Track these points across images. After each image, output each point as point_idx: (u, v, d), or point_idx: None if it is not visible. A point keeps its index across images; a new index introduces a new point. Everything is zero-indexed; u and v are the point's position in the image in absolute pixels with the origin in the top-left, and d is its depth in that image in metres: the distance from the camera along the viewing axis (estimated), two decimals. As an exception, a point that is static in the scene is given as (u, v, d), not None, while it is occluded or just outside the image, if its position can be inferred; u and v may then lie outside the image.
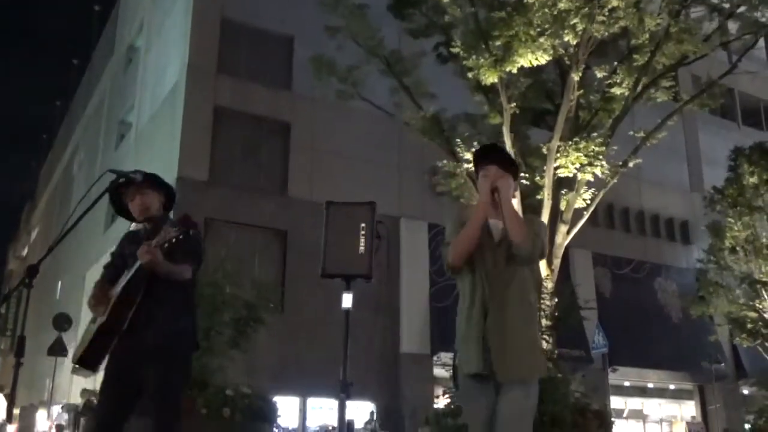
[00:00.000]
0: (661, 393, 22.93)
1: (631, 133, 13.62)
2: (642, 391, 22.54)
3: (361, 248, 4.72)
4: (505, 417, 2.95)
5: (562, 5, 11.18)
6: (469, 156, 12.53)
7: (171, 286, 3.42)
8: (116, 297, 3.38)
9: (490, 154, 3.33)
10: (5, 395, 19.13)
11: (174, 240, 3.30)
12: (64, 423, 17.77)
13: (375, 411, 16.22)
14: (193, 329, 3.64)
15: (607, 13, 11.61)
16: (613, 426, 8.64)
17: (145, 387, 3.38)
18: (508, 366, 2.97)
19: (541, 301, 8.12)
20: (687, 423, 22.01)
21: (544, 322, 8.72)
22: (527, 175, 12.67)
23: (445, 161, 13.47)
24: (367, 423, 15.79)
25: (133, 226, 3.85)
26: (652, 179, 22.79)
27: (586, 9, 11.32)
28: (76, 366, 3.59)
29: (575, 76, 12.08)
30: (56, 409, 21.66)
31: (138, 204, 3.62)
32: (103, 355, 3.48)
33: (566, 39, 11.74)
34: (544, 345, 8.52)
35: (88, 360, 3.51)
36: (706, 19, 13.54)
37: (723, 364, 20.79)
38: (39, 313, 27.76)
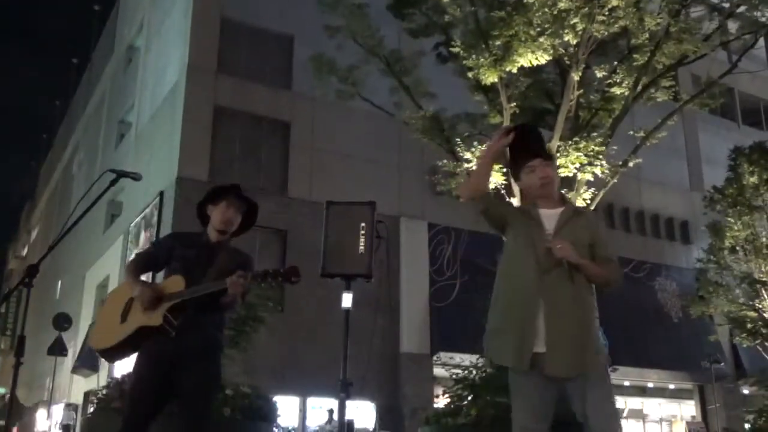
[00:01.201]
0: (660, 393, 22.93)
1: (631, 132, 13.62)
2: (642, 391, 22.54)
3: (361, 248, 4.72)
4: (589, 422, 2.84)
5: (562, 5, 11.18)
6: (469, 156, 12.54)
7: (215, 299, 3.44)
8: (175, 303, 3.36)
9: (528, 146, 3.13)
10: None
11: (270, 283, 3.34)
12: (71, 423, 17.79)
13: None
14: (223, 342, 3.71)
15: (607, 13, 11.61)
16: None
17: (182, 389, 3.38)
18: (558, 363, 2.86)
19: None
20: (687, 423, 22.01)
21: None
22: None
23: (445, 161, 13.47)
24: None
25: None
26: (652, 179, 22.79)
27: (586, 9, 11.32)
28: (96, 353, 3.59)
29: (575, 76, 12.08)
30: (56, 408, 21.67)
31: (230, 216, 3.62)
32: (133, 351, 3.48)
33: (566, 39, 11.74)
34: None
35: (116, 353, 3.51)
36: (706, 18, 13.53)
37: (723, 364, 20.78)
38: (39, 312, 27.78)
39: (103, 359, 3.62)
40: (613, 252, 3.13)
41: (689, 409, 23.20)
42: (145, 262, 3.67)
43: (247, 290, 3.42)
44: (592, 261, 2.99)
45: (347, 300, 4.81)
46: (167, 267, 3.59)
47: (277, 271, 3.30)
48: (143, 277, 3.61)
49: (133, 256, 3.51)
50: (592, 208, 12.81)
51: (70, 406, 19.69)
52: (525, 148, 3.10)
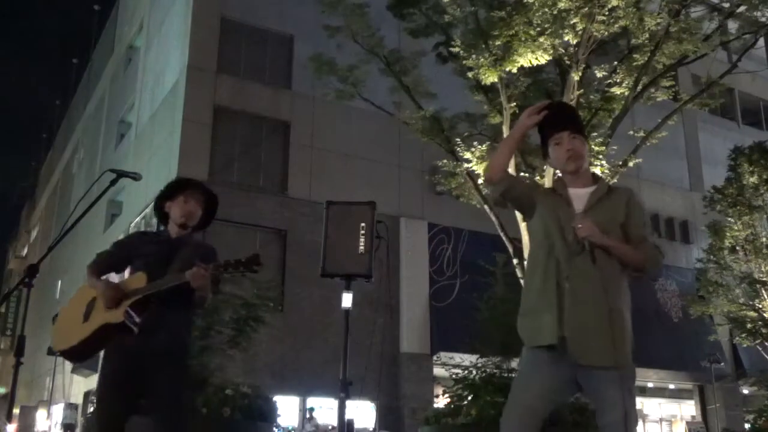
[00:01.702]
0: (660, 392, 22.93)
1: (631, 132, 13.63)
2: (642, 391, 22.53)
3: (361, 248, 4.72)
4: (606, 417, 2.67)
5: (561, 5, 11.18)
6: (469, 155, 12.54)
7: (184, 299, 3.42)
8: (137, 299, 3.35)
9: (558, 118, 2.92)
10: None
11: (230, 273, 3.31)
12: (73, 422, 17.78)
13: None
14: (190, 343, 3.69)
15: (607, 13, 11.61)
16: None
17: (152, 391, 3.36)
18: (583, 350, 2.66)
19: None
20: (687, 422, 22.02)
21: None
22: (527, 174, 12.68)
23: (445, 161, 13.47)
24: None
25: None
26: (651, 179, 22.79)
27: (586, 8, 11.31)
28: (58, 354, 3.56)
29: (575, 76, 12.08)
30: (56, 408, 21.67)
31: (189, 209, 3.60)
32: (97, 351, 3.46)
33: (566, 38, 11.74)
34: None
35: (78, 353, 3.47)
36: (706, 18, 13.54)
37: (723, 364, 20.79)
38: (39, 312, 27.79)
39: (67, 360, 3.58)
40: (647, 233, 2.86)
41: (689, 409, 23.21)
42: (106, 261, 3.62)
43: (215, 281, 3.38)
44: (626, 242, 2.77)
45: (347, 300, 4.81)
46: (131, 266, 3.56)
47: (239, 261, 3.28)
48: (105, 277, 3.58)
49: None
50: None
51: (72, 406, 19.68)
52: (553, 120, 2.91)
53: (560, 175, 3.01)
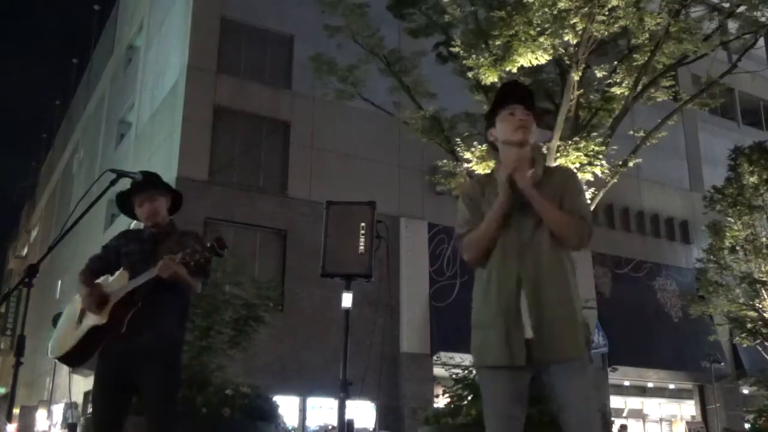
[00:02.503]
0: (660, 392, 22.94)
1: (631, 132, 13.63)
2: (642, 391, 22.55)
3: (361, 248, 4.72)
4: (568, 411, 2.55)
5: (561, 5, 11.17)
6: (469, 155, 12.55)
7: (173, 294, 3.44)
8: (120, 298, 3.36)
9: (513, 92, 2.88)
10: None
11: (200, 259, 3.32)
12: (76, 421, 17.76)
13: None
14: (183, 341, 3.69)
15: (607, 13, 11.61)
16: (613, 425, 8.64)
17: (142, 389, 3.37)
18: (549, 346, 2.55)
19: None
20: (687, 422, 22.03)
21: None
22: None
23: (445, 161, 13.47)
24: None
25: (134, 224, 3.87)
26: (652, 179, 22.80)
27: (586, 8, 11.31)
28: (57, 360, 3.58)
29: (575, 76, 12.08)
30: (57, 408, 21.66)
31: (147, 210, 3.62)
32: (91, 353, 3.47)
33: (566, 38, 11.74)
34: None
35: (73, 357, 3.50)
36: (706, 18, 13.54)
37: (723, 364, 20.79)
38: (39, 312, 27.77)
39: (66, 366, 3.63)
40: (584, 210, 2.76)
41: (689, 409, 23.21)
42: (97, 265, 3.63)
43: (199, 270, 3.39)
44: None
45: (347, 300, 4.80)
46: (121, 266, 3.58)
47: (204, 246, 3.32)
48: (102, 279, 3.58)
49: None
50: (592, 207, 12.83)
51: (74, 405, 19.64)
52: (509, 93, 2.88)
53: (501, 158, 2.89)
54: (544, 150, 12.52)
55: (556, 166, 2.81)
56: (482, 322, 2.68)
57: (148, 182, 3.64)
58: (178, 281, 3.37)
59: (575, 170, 11.84)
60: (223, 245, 3.31)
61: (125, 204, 3.74)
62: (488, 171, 2.94)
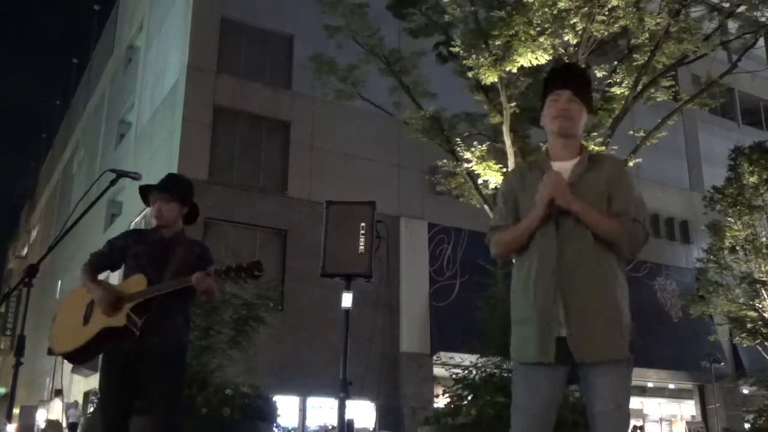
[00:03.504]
0: (660, 392, 22.94)
1: (631, 132, 13.63)
2: (642, 391, 22.55)
3: (361, 248, 4.71)
4: (599, 413, 2.46)
5: (561, 4, 11.18)
6: (469, 155, 12.54)
7: (179, 299, 3.45)
8: (139, 301, 3.35)
9: (563, 77, 2.67)
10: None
11: (235, 278, 3.34)
12: (77, 421, 17.76)
13: None
14: (188, 345, 3.70)
15: (607, 13, 11.61)
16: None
17: (148, 391, 3.39)
18: (586, 345, 2.43)
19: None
20: (687, 422, 22.03)
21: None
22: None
23: (445, 161, 13.47)
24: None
25: (134, 223, 3.87)
26: (651, 178, 22.77)
27: (586, 8, 11.32)
28: (56, 355, 3.57)
29: (575, 76, 12.06)
30: (57, 408, 21.67)
31: (158, 209, 3.64)
32: (99, 353, 3.48)
33: (566, 38, 11.74)
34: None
35: (80, 355, 3.49)
36: (706, 18, 13.53)
37: (723, 364, 20.79)
38: (39, 312, 27.77)
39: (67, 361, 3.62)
40: (638, 210, 2.54)
41: (689, 408, 23.21)
42: (100, 262, 3.64)
43: (215, 288, 3.44)
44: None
45: (347, 300, 4.80)
46: (125, 265, 3.59)
47: (240, 266, 3.31)
48: (101, 277, 3.60)
49: (88, 256, 3.51)
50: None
51: (76, 404, 19.62)
52: (558, 76, 2.69)
53: (547, 145, 2.74)
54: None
55: (605, 155, 2.56)
56: (521, 318, 2.57)
57: (168, 187, 3.68)
58: (206, 293, 3.41)
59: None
60: (261, 270, 3.31)
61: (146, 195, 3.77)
62: (534, 158, 2.78)
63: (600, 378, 2.47)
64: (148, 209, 3.76)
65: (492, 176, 12.25)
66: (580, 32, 11.59)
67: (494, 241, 2.68)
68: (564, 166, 2.59)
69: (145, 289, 3.37)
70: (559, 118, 2.61)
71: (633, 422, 20.38)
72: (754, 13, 13.24)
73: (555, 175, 2.54)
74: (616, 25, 11.93)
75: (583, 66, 12.24)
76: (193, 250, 3.55)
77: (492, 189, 12.31)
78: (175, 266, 3.43)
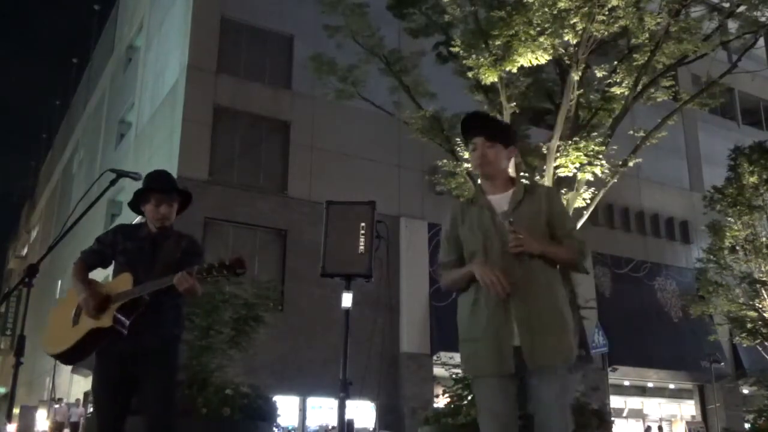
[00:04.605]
0: (660, 392, 22.95)
1: (631, 132, 13.63)
2: (642, 391, 22.56)
3: (361, 248, 4.71)
4: (544, 411, 2.69)
5: (561, 4, 11.17)
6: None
7: (172, 296, 3.41)
8: (124, 302, 3.33)
9: (473, 125, 3.00)
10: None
11: (217, 276, 3.28)
12: (77, 420, 17.77)
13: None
14: (181, 338, 3.66)
15: (607, 13, 11.61)
16: (613, 425, 8.64)
17: (141, 389, 3.37)
18: (538, 353, 2.68)
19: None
20: (687, 422, 22.04)
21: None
22: (527, 174, 12.67)
23: (445, 161, 13.47)
24: None
25: (137, 219, 3.83)
26: (651, 178, 22.80)
27: (586, 8, 11.31)
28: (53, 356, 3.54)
29: (575, 76, 12.07)
30: (58, 407, 21.64)
31: (164, 212, 3.58)
32: (89, 353, 3.44)
33: (566, 38, 11.74)
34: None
35: (70, 356, 3.47)
36: (706, 18, 13.53)
37: (723, 364, 20.79)
38: (39, 312, 27.74)
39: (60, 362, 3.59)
40: (575, 229, 2.91)
41: (689, 408, 23.21)
42: (91, 260, 3.61)
43: (198, 285, 3.34)
44: (552, 240, 2.82)
45: (347, 300, 4.80)
46: (115, 262, 3.56)
47: (222, 264, 3.25)
48: (92, 275, 3.57)
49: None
50: (592, 207, 12.83)
51: (78, 403, 19.58)
52: (468, 126, 3.02)
53: (479, 182, 3.06)
54: (544, 150, 12.53)
55: (537, 184, 3.03)
56: (471, 336, 2.84)
57: (173, 187, 3.64)
58: (189, 293, 3.33)
59: (575, 170, 11.85)
60: (243, 267, 3.29)
61: (138, 199, 3.69)
62: (471, 196, 3.09)
63: (548, 382, 2.70)
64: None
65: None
66: (580, 32, 11.58)
67: (441, 280, 3.05)
68: (497, 199, 2.90)
69: (130, 289, 3.35)
70: (480, 166, 2.94)
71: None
72: (754, 13, 13.24)
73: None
74: (616, 25, 11.92)
75: (583, 65, 12.25)
76: (180, 245, 3.50)
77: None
78: (162, 263, 3.40)
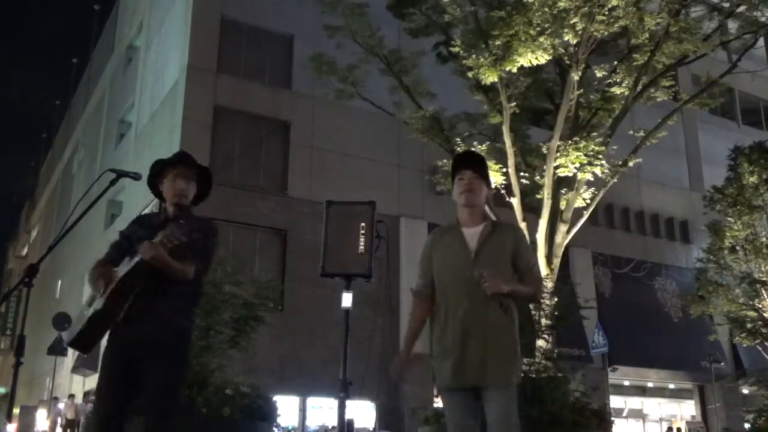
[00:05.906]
0: (660, 392, 22.94)
1: (631, 132, 13.64)
2: (642, 391, 22.55)
3: (361, 247, 4.71)
4: (493, 428, 3.12)
5: (561, 4, 11.18)
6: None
7: (176, 282, 3.30)
8: (115, 284, 3.25)
9: (466, 161, 3.48)
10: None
11: (180, 243, 3.18)
12: (79, 418, 17.73)
13: None
14: (191, 331, 3.52)
15: (606, 13, 11.62)
16: (613, 425, 8.64)
17: (142, 381, 3.23)
18: (489, 374, 3.13)
19: (541, 301, 8.09)
20: (687, 422, 22.02)
21: (543, 321, 8.72)
22: (527, 174, 12.68)
23: (445, 161, 13.47)
24: None
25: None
26: (651, 178, 22.80)
27: (586, 8, 11.32)
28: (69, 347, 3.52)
29: (575, 76, 12.08)
30: (61, 406, 21.64)
31: (179, 187, 3.52)
32: (96, 339, 3.38)
33: (566, 38, 11.75)
34: (543, 344, 8.53)
35: (80, 343, 3.41)
36: (706, 18, 13.54)
37: (723, 364, 20.79)
38: (39, 312, 27.77)
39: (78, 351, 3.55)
40: (535, 266, 3.41)
41: (689, 408, 23.21)
42: (110, 252, 3.52)
43: (164, 252, 3.17)
44: (515, 272, 3.26)
45: (347, 300, 4.80)
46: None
47: (189, 229, 3.23)
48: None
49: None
50: (592, 207, 12.83)
51: (73, 398, 19.52)
52: (461, 160, 3.46)
53: (458, 214, 3.43)
54: (544, 150, 12.53)
55: (504, 224, 3.44)
56: (439, 354, 3.35)
57: (192, 161, 3.58)
58: (162, 266, 3.18)
59: (575, 170, 11.85)
60: (210, 227, 3.27)
61: (156, 175, 3.60)
62: (447, 225, 3.52)
63: (496, 400, 3.14)
64: (148, 210, 3.70)
65: (492, 177, 12.25)
66: (580, 32, 11.59)
67: (412, 307, 3.62)
68: (473, 231, 3.31)
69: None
70: (465, 193, 3.34)
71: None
72: (754, 13, 13.26)
73: (491, 282, 3.22)
74: (616, 25, 11.94)
75: (583, 65, 12.25)
76: (187, 225, 3.33)
77: (492, 189, 12.32)
78: (163, 244, 3.23)
